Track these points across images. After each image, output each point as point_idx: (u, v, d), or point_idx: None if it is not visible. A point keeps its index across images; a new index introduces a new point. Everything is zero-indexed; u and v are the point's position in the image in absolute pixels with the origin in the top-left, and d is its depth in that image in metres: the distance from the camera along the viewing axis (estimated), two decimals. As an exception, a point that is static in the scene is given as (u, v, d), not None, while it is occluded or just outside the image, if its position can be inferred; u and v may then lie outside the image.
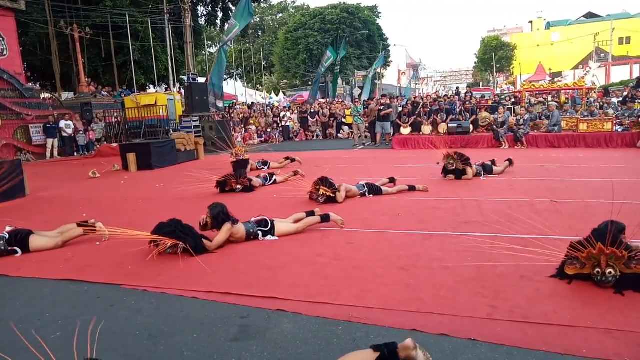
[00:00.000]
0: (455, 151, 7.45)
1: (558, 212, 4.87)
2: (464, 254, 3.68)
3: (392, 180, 6.75)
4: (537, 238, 3.94)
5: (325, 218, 4.58)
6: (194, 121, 14.56)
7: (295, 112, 20.54)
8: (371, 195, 6.16)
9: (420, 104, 14.91)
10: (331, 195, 5.76)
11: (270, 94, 39.75)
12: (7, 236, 4.23)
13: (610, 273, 2.83)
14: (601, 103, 14.45)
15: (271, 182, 7.65)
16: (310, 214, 4.68)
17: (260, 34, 54.19)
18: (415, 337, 2.30)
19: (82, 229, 4.54)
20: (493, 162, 7.70)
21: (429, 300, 2.84)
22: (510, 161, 7.86)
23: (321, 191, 5.75)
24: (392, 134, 14.40)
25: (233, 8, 27.82)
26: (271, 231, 4.33)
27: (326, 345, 2.38)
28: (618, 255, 2.81)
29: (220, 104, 17.71)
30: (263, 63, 47.32)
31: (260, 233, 4.30)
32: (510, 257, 3.54)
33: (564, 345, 2.23)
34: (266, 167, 9.09)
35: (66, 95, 20.69)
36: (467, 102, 14.91)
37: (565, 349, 2.21)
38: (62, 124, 15.19)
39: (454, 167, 7.18)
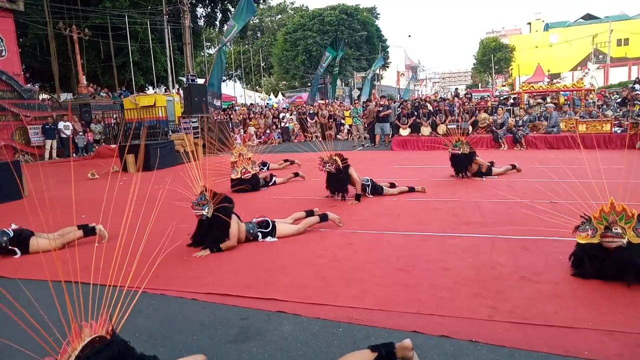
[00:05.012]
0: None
1: (557, 213, 4.86)
2: (463, 255, 3.68)
3: (392, 186, 6.73)
4: (537, 239, 3.95)
5: (323, 217, 4.61)
6: (192, 122, 14.55)
7: (295, 113, 20.53)
8: (371, 196, 6.16)
9: (420, 106, 14.91)
10: (340, 165, 5.74)
11: (269, 95, 39.75)
12: (11, 234, 4.22)
13: (616, 229, 2.88)
14: (600, 104, 14.47)
15: (271, 183, 7.65)
16: (310, 213, 4.69)
17: (259, 35, 54.22)
18: (416, 338, 2.30)
19: (82, 231, 4.53)
20: (492, 163, 7.70)
21: (428, 301, 2.83)
22: (514, 166, 7.84)
23: (335, 158, 5.75)
24: (391, 135, 14.40)
25: (232, 9, 27.84)
26: (272, 232, 4.32)
27: (326, 347, 2.37)
28: (628, 214, 2.87)
29: (217, 103, 17.69)
30: (262, 64, 47.34)
31: (260, 234, 4.29)
32: (509, 258, 3.55)
33: (564, 347, 2.23)
34: (265, 168, 9.06)
35: (65, 96, 20.65)
36: (466, 103, 14.92)
37: (566, 350, 2.20)
38: (61, 125, 15.17)
39: (459, 151, 7.12)
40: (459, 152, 7.12)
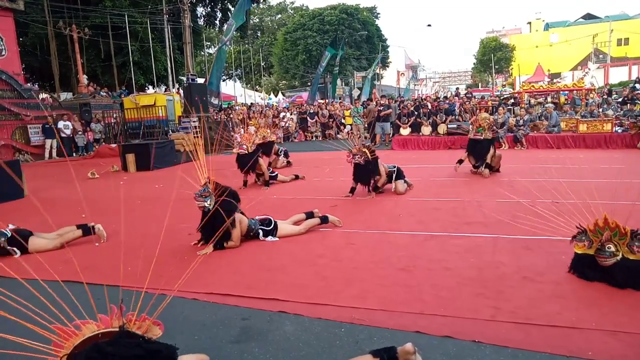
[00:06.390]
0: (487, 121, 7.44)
1: (559, 213, 4.85)
2: (465, 255, 3.67)
3: None
4: (539, 239, 3.94)
5: (324, 219, 4.61)
6: (193, 122, 14.54)
7: (295, 112, 20.51)
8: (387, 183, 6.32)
9: (420, 105, 14.90)
10: (369, 157, 5.83)
11: (269, 95, 39.73)
12: (9, 234, 4.19)
13: (609, 248, 2.86)
14: (602, 100, 14.47)
15: (273, 175, 7.87)
16: (310, 215, 4.68)
17: (259, 34, 54.17)
18: (419, 339, 2.29)
19: (81, 231, 4.52)
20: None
21: (430, 301, 2.82)
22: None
23: (363, 149, 5.83)
24: (391, 134, 14.40)
25: (232, 8, 27.81)
26: (273, 232, 4.31)
27: (328, 348, 2.36)
28: (622, 231, 2.84)
29: (215, 101, 17.67)
30: (262, 64, 47.30)
31: (261, 232, 4.28)
32: (511, 258, 3.53)
33: (568, 347, 2.22)
34: (286, 160, 9.77)
35: (65, 96, 20.62)
36: (467, 103, 14.91)
37: (570, 350, 2.19)
38: (61, 124, 15.15)
39: (481, 137, 7.14)
40: (481, 137, 7.16)
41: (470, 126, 7.29)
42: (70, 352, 1.58)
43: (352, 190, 6.19)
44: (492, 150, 7.31)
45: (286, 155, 9.89)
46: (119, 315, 1.74)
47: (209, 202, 3.99)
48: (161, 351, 1.68)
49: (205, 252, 3.94)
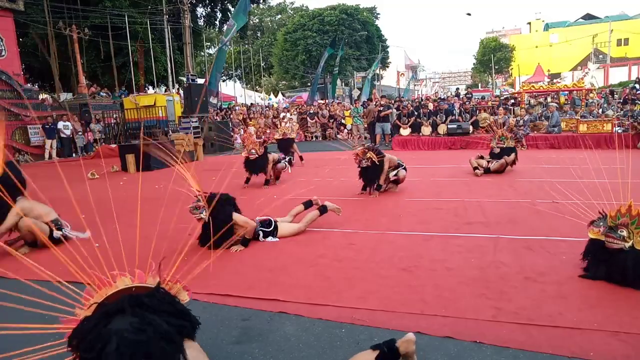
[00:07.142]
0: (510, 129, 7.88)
1: (560, 213, 4.85)
2: (467, 255, 3.66)
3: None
4: (540, 239, 3.93)
5: (323, 210, 4.58)
6: (193, 122, 14.53)
7: (295, 113, 20.52)
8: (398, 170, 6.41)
9: (420, 106, 14.89)
10: (376, 162, 5.95)
11: (269, 95, 39.72)
12: (63, 231, 4.54)
13: (621, 232, 2.81)
14: (604, 99, 14.48)
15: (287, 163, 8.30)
16: (308, 204, 4.67)
17: (259, 35, 54.17)
18: (420, 339, 2.28)
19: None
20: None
21: (432, 301, 2.81)
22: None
23: (368, 155, 5.94)
24: (391, 134, 14.39)
25: (232, 9, 27.82)
26: (273, 232, 4.30)
27: (329, 348, 2.35)
28: None
29: (214, 101, 17.68)
30: (262, 64, 47.29)
31: (261, 233, 4.27)
32: (513, 258, 3.52)
33: (570, 348, 2.21)
34: (289, 165, 9.82)
35: (65, 96, 20.61)
36: (467, 103, 14.90)
37: (572, 351, 2.18)
38: (61, 124, 15.15)
39: (503, 146, 7.49)
40: (504, 145, 7.50)
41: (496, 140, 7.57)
42: (102, 301, 1.61)
43: (365, 187, 6.34)
44: (513, 156, 7.69)
45: (290, 163, 9.91)
46: (156, 272, 1.79)
47: (204, 213, 3.96)
48: (190, 314, 1.72)
49: (237, 249, 4.00)
